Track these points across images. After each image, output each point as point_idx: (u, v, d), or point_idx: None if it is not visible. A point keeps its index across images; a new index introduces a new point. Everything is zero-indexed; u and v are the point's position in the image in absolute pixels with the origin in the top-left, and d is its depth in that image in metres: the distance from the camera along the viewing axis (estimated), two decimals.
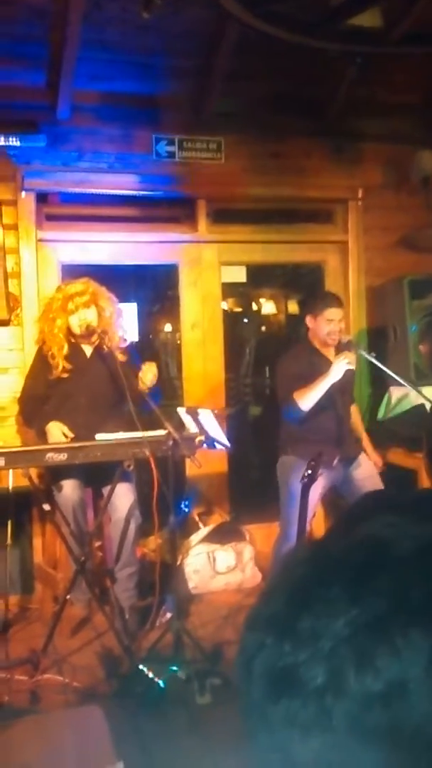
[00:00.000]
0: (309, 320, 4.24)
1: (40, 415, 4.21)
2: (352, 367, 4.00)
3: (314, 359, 4.18)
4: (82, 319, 4.13)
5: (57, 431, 4.08)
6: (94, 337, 4.21)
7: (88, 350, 4.28)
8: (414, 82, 5.15)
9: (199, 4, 3.72)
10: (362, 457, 4.30)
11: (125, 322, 4.46)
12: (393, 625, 0.48)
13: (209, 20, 4.21)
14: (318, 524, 4.70)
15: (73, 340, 4.23)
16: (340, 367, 3.94)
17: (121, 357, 4.12)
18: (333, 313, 4.15)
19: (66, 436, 4.06)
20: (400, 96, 5.27)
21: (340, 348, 4.18)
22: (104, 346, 4.15)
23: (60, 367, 4.15)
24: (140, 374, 4.05)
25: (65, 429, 4.08)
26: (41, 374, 4.26)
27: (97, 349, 4.26)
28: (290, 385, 4.11)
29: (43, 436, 4.16)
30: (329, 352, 4.21)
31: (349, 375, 4.08)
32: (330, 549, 0.57)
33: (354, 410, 4.51)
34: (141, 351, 4.60)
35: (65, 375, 4.17)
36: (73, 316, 4.14)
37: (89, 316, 4.14)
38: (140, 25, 3.66)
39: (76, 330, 4.16)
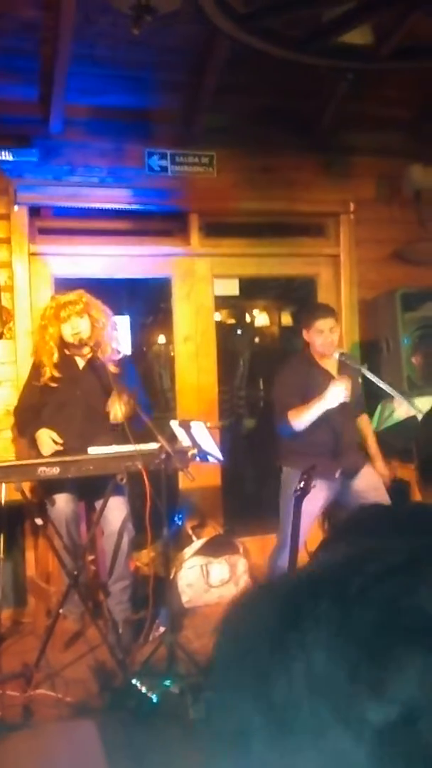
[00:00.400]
0: (305, 334, 4.26)
1: (34, 424, 4.20)
2: (347, 398, 3.99)
3: (312, 372, 4.19)
4: (74, 327, 4.14)
5: (46, 437, 4.07)
6: (86, 350, 4.21)
7: (81, 362, 4.29)
8: (405, 97, 5.19)
9: (190, 20, 3.74)
10: (366, 469, 4.29)
11: (119, 335, 4.47)
12: (373, 645, 0.48)
13: (200, 35, 4.24)
14: (315, 537, 4.69)
15: (67, 352, 4.24)
16: (334, 394, 3.94)
17: (114, 369, 4.13)
18: (323, 323, 4.16)
19: (55, 443, 4.05)
20: (392, 110, 5.31)
21: (340, 366, 4.19)
22: (97, 358, 4.16)
23: (48, 375, 4.16)
24: (108, 409, 4.09)
25: (54, 435, 4.07)
26: (38, 387, 4.27)
27: (90, 361, 4.26)
28: (286, 400, 4.12)
29: (34, 445, 4.15)
30: (327, 364, 4.21)
31: (354, 387, 4.09)
32: (314, 566, 0.57)
33: (364, 422, 4.52)
34: (134, 365, 4.60)
35: (54, 384, 4.17)
36: (66, 325, 4.15)
37: (82, 325, 4.16)
38: (131, 39, 3.68)
39: (69, 338, 4.17)
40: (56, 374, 4.17)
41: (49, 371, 4.16)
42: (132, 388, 4.09)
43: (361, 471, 4.26)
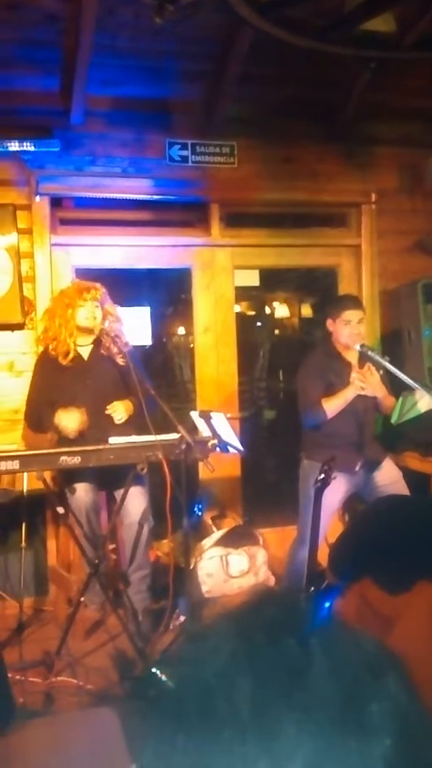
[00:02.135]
0: (329, 324, 4.25)
1: (49, 413, 4.17)
2: (365, 391, 4.01)
3: (335, 363, 4.19)
4: (89, 312, 4.18)
5: (67, 416, 4.06)
6: (88, 340, 4.22)
7: (84, 353, 4.29)
8: (428, 87, 5.13)
9: (212, 9, 3.71)
10: (386, 462, 4.28)
11: (127, 335, 4.44)
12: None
13: (222, 25, 4.22)
14: (335, 529, 4.68)
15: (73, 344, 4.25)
16: (356, 386, 4.00)
17: (121, 361, 4.17)
18: (350, 314, 4.16)
19: (80, 419, 4.04)
20: (414, 100, 5.26)
21: (361, 358, 4.18)
22: (103, 350, 4.18)
23: (66, 352, 4.17)
24: (110, 411, 4.11)
25: (74, 412, 4.06)
26: (45, 379, 4.27)
27: (94, 352, 4.27)
28: (311, 391, 4.14)
29: (56, 432, 4.12)
30: (351, 355, 4.20)
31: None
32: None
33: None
34: (154, 354, 4.60)
35: (65, 363, 4.18)
36: (83, 309, 4.18)
37: (97, 314, 4.20)
38: (152, 29, 3.66)
39: (81, 322, 4.18)
40: (76, 349, 4.20)
41: (69, 349, 4.17)
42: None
43: (382, 464, 4.25)
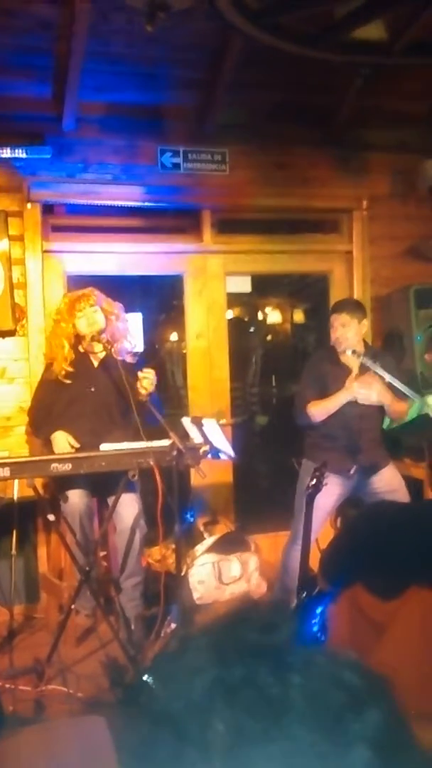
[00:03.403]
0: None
1: (49, 424, 4.22)
2: (364, 399, 4.02)
3: (333, 368, 4.20)
4: (89, 319, 4.18)
5: (63, 440, 4.10)
6: (99, 347, 4.22)
7: (95, 361, 4.30)
8: (421, 92, 5.15)
9: (204, 16, 3.73)
10: (387, 470, 4.25)
11: (132, 331, 4.48)
12: None
13: (214, 32, 4.23)
14: (326, 535, 4.68)
15: (81, 350, 4.25)
16: (351, 391, 4.01)
17: (130, 360, 4.22)
18: (334, 318, 4.18)
19: (71, 446, 4.07)
20: (407, 105, 5.28)
21: (362, 366, 4.16)
22: (111, 357, 4.17)
23: (61, 371, 4.18)
24: (138, 380, 4.01)
25: (71, 439, 4.10)
26: (51, 385, 4.29)
27: (104, 360, 4.27)
28: (303, 393, 4.19)
29: (48, 445, 4.17)
30: (352, 361, 4.19)
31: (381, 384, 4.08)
32: None
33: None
34: (146, 360, 4.60)
35: (67, 381, 4.19)
36: (81, 319, 4.19)
37: (97, 317, 4.20)
38: (145, 36, 3.67)
39: (85, 330, 4.18)
40: (69, 369, 4.19)
41: (62, 366, 4.18)
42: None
43: (382, 471, 4.21)
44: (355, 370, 4.17)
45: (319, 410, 4.09)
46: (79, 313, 4.18)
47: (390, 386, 4.01)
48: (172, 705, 0.55)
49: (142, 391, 3.92)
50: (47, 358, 4.40)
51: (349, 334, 4.15)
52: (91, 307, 4.20)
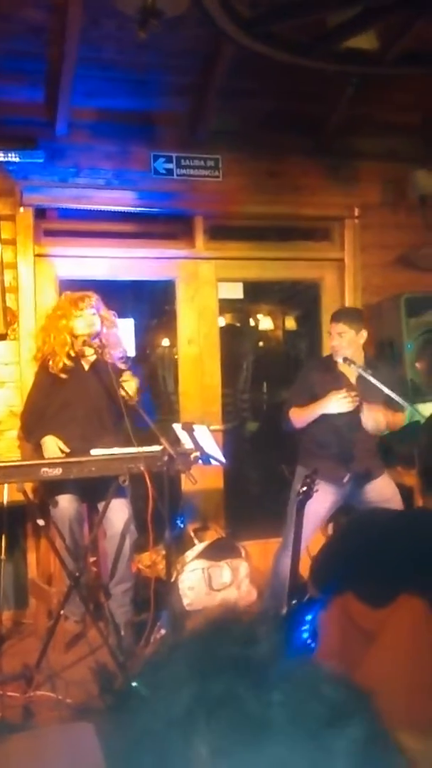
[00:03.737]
0: None
1: (40, 429, 4.22)
2: (349, 408, 4.01)
3: (326, 374, 4.21)
4: (87, 320, 4.21)
5: (53, 445, 4.09)
6: (90, 351, 4.23)
7: (85, 365, 4.30)
8: (412, 102, 5.19)
9: (196, 23, 3.74)
10: (381, 480, 4.25)
11: (123, 340, 4.50)
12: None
13: (206, 38, 4.24)
14: (317, 541, 4.67)
15: (72, 354, 4.25)
16: (334, 403, 4.01)
17: (122, 366, 4.24)
18: (333, 327, 4.20)
19: (62, 451, 4.06)
20: (398, 115, 5.31)
21: (360, 376, 4.17)
22: (101, 361, 4.17)
23: (60, 365, 4.17)
24: (123, 385, 4.03)
25: (61, 444, 4.09)
26: (44, 389, 4.28)
27: (94, 364, 4.27)
28: (292, 398, 4.23)
29: (39, 450, 4.17)
30: (346, 368, 4.19)
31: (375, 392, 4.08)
32: None
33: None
34: (137, 366, 4.61)
35: (63, 376, 4.18)
36: (80, 318, 4.21)
37: (95, 321, 4.22)
38: (137, 42, 3.68)
39: (82, 331, 4.20)
40: (69, 363, 4.19)
41: (62, 359, 4.18)
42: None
43: (376, 480, 4.21)
44: (353, 379, 4.18)
45: (298, 417, 4.11)
46: (78, 312, 4.20)
47: (385, 396, 4.03)
48: (157, 715, 0.55)
49: (127, 397, 3.94)
50: (42, 354, 4.35)
51: (345, 343, 4.16)
52: (90, 309, 4.22)
